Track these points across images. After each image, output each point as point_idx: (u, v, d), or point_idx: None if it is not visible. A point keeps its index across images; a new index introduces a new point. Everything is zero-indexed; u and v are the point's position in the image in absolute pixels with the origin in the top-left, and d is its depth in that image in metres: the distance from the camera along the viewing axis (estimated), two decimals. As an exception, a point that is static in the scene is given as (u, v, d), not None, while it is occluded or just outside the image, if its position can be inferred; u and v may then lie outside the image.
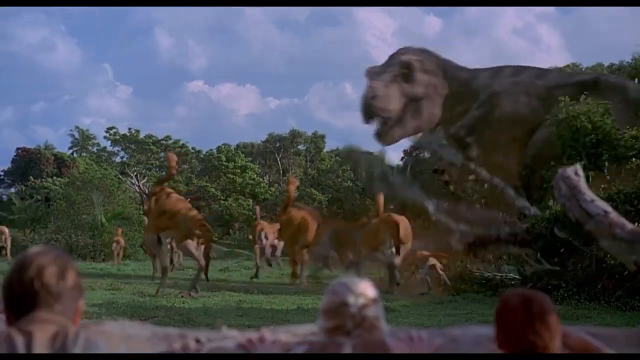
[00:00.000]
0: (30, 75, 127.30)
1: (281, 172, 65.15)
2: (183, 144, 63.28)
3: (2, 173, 64.17)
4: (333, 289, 3.13)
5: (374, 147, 39.71)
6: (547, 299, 3.02)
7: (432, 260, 19.84)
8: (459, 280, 19.23)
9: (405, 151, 42.87)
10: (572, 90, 21.27)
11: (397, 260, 19.83)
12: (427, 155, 31.41)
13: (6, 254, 31.13)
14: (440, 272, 19.61)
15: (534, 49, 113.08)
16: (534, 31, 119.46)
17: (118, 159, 63.72)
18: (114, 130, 63.28)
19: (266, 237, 24.62)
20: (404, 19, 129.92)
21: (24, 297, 2.55)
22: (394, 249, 19.76)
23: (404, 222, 19.98)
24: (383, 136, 23.52)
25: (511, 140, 21.52)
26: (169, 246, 21.75)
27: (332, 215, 39.00)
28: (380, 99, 22.62)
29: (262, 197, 56.46)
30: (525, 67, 23.36)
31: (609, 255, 14.29)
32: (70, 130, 68.08)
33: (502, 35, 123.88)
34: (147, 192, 43.67)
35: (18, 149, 63.58)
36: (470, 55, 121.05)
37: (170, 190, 19.65)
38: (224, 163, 59.79)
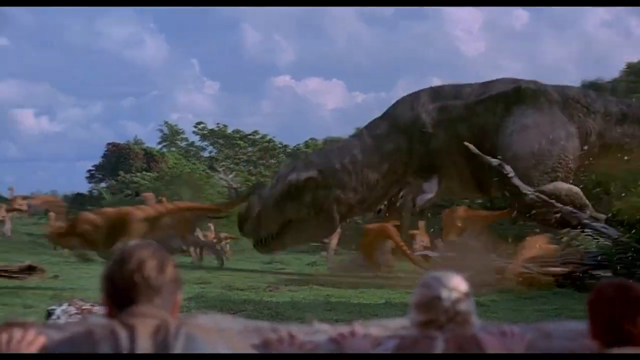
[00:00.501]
0: (119, 71, 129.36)
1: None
2: (270, 139, 63.45)
3: (93, 168, 65.13)
4: (426, 282, 3.12)
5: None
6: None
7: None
8: (548, 275, 18.94)
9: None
10: (493, 103, 21.29)
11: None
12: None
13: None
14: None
15: (623, 42, 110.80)
16: (624, 24, 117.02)
17: (206, 154, 64.20)
18: (202, 125, 63.87)
19: None
20: (492, 12, 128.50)
21: (125, 290, 2.59)
22: None
23: None
24: (259, 249, 23.49)
25: (456, 165, 21.33)
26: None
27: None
28: (251, 222, 22.44)
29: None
30: (440, 87, 22.89)
31: None
32: (159, 125, 68.77)
33: (591, 28, 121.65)
34: (235, 186, 43.95)
35: (108, 144, 64.46)
36: (559, 48, 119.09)
37: None
38: (313, 158, 59.52)
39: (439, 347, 2.99)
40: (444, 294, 3.02)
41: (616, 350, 2.91)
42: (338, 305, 14.54)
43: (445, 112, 21.39)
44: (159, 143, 66.61)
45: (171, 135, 67.03)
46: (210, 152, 63.99)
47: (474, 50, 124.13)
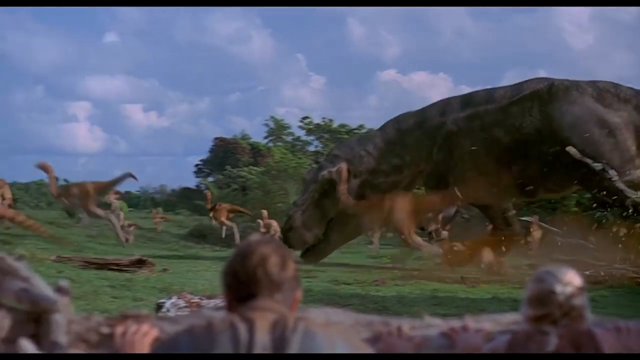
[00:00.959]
0: (226, 66, 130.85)
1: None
2: (376, 133, 63.19)
3: (200, 162, 66.04)
4: (539, 277, 3.09)
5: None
6: None
7: None
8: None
9: None
10: (528, 103, 20.63)
11: None
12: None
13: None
14: None
15: None
16: None
17: (312, 148, 64.37)
18: (308, 119, 64.04)
19: None
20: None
21: (247, 284, 2.64)
22: None
23: None
24: (306, 259, 22.67)
25: (485, 170, 20.79)
26: None
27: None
28: (296, 230, 22.16)
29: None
30: (474, 93, 22.31)
31: None
32: (266, 120, 69.25)
33: None
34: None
35: (216, 138, 65.26)
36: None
37: None
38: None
39: (552, 343, 2.96)
40: (558, 288, 2.99)
41: None
42: (445, 299, 14.44)
43: (477, 118, 21.03)
44: (266, 137, 67.03)
45: (277, 129, 67.37)
46: (316, 146, 64.08)
47: (583, 43, 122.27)
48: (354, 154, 22.23)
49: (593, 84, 20.81)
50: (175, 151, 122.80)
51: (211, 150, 64.53)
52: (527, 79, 21.47)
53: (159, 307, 9.23)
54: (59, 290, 3.04)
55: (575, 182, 20.16)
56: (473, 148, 20.62)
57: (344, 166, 21.87)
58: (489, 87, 22.08)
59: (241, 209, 33.82)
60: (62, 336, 2.90)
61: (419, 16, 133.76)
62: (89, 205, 24.88)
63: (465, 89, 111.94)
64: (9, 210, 21.61)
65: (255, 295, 2.61)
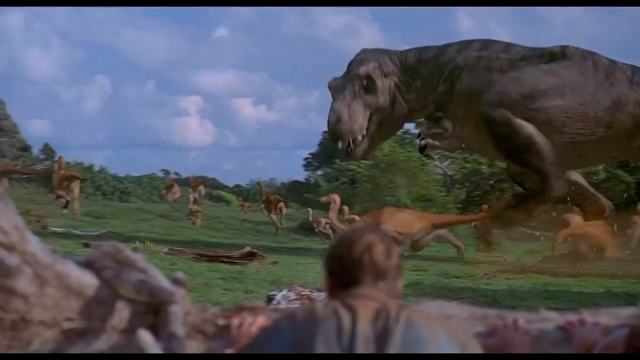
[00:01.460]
0: (335, 59, 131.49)
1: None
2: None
3: (309, 156, 66.40)
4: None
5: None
6: None
7: None
8: None
9: None
10: (538, 61, 20.30)
11: None
12: None
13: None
14: None
15: None
16: None
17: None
18: (417, 112, 63.81)
19: None
20: None
21: (352, 271, 2.64)
22: None
23: None
24: (353, 154, 22.53)
25: (473, 114, 20.32)
26: None
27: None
28: (345, 123, 21.64)
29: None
30: (494, 41, 21.77)
31: None
32: (375, 113, 69.21)
33: None
34: (449, 174, 43.76)
35: (325, 132, 65.43)
36: None
37: None
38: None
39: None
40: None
41: None
42: (557, 293, 14.23)
43: (486, 60, 20.80)
44: (375, 131, 67.04)
45: (386, 122, 67.24)
46: (425, 139, 63.86)
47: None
48: (383, 58, 22.27)
49: (613, 61, 20.43)
50: (284, 145, 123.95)
51: (320, 144, 64.75)
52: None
53: (270, 299, 9.32)
54: (176, 282, 3.10)
55: None
56: (471, 84, 20.52)
57: (336, 198, 22.76)
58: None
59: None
60: (179, 327, 2.95)
61: (529, 7, 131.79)
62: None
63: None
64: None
65: (359, 282, 2.62)
